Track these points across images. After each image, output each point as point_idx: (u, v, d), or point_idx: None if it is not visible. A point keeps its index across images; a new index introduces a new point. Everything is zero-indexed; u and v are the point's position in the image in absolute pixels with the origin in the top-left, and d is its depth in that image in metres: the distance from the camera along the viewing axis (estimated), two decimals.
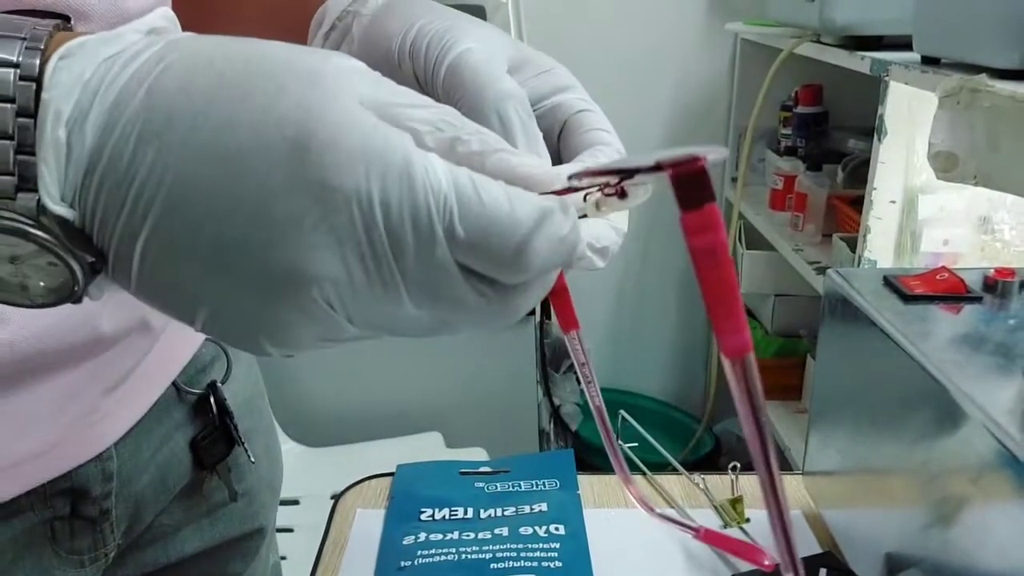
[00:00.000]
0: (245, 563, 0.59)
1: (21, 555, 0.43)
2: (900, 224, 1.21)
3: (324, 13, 0.41)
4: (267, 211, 0.23)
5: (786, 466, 1.58)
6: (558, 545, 0.57)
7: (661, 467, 0.68)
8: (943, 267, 0.53)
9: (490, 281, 0.25)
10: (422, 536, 0.59)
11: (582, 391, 1.88)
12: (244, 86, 0.24)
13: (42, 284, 0.25)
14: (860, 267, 1.24)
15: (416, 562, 0.56)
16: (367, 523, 0.62)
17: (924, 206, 1.18)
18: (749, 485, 0.65)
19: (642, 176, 0.25)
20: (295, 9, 0.42)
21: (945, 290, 0.51)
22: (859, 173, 1.50)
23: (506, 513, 0.61)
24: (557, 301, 0.38)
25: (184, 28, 0.29)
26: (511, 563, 0.55)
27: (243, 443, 0.55)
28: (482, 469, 0.67)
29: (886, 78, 1.14)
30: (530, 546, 0.57)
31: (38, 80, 0.23)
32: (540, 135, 0.33)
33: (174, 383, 0.52)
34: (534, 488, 0.64)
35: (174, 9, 0.30)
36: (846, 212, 1.49)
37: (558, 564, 0.55)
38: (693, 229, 0.21)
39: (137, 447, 0.48)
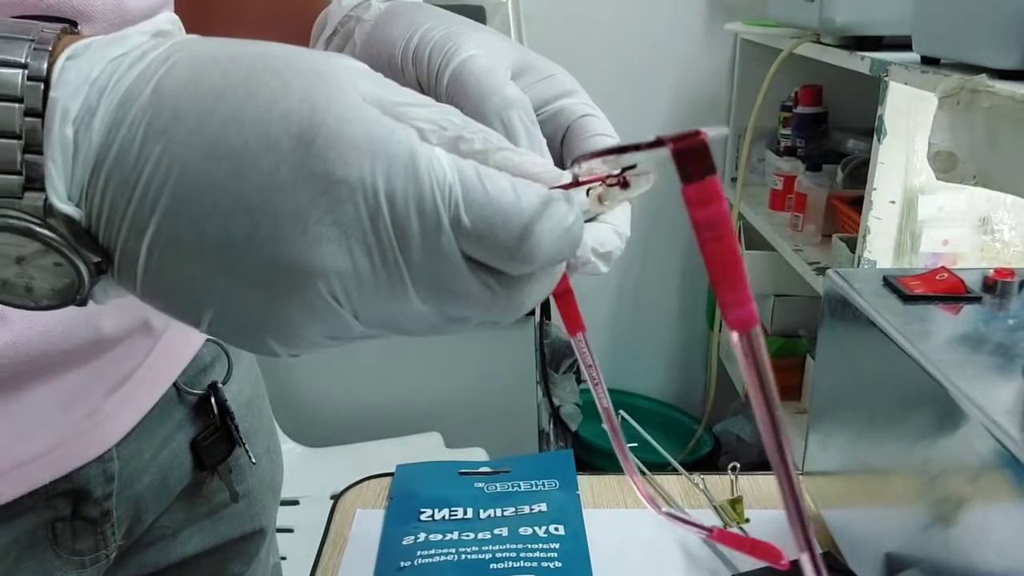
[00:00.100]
0: (246, 564, 0.59)
1: (23, 556, 0.43)
2: (900, 224, 1.21)
3: (326, 18, 0.41)
4: (273, 205, 0.23)
5: None
6: (558, 545, 0.57)
7: (661, 467, 0.68)
8: (943, 267, 0.53)
9: (496, 273, 0.26)
10: (422, 536, 0.59)
11: (582, 391, 1.89)
12: (249, 83, 0.24)
13: (47, 285, 0.25)
14: (860, 267, 1.24)
15: (416, 562, 0.56)
16: (367, 523, 0.62)
17: (924, 206, 1.18)
18: (749, 485, 0.65)
19: (644, 153, 0.25)
20: (297, 14, 0.43)
21: (945, 290, 0.51)
22: (859, 173, 1.50)
23: (506, 513, 0.61)
24: (562, 304, 0.38)
25: (186, 32, 0.29)
26: (511, 563, 0.55)
27: (244, 444, 0.55)
28: (482, 469, 0.67)
29: (886, 78, 1.14)
30: (530, 546, 0.57)
31: (46, 80, 0.24)
32: (544, 141, 0.33)
33: (175, 384, 0.52)
34: (534, 488, 0.64)
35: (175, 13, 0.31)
36: (846, 212, 1.49)
37: (558, 564, 0.55)
38: (695, 201, 0.21)
39: (138, 448, 0.48)
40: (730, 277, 0.22)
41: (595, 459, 1.86)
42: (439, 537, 0.58)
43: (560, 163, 0.35)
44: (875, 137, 1.18)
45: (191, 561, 0.54)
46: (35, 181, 0.24)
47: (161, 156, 0.23)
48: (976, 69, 0.93)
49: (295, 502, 1.45)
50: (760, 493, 0.65)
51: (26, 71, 0.24)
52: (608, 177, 0.28)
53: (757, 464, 1.97)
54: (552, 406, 1.82)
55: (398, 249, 0.24)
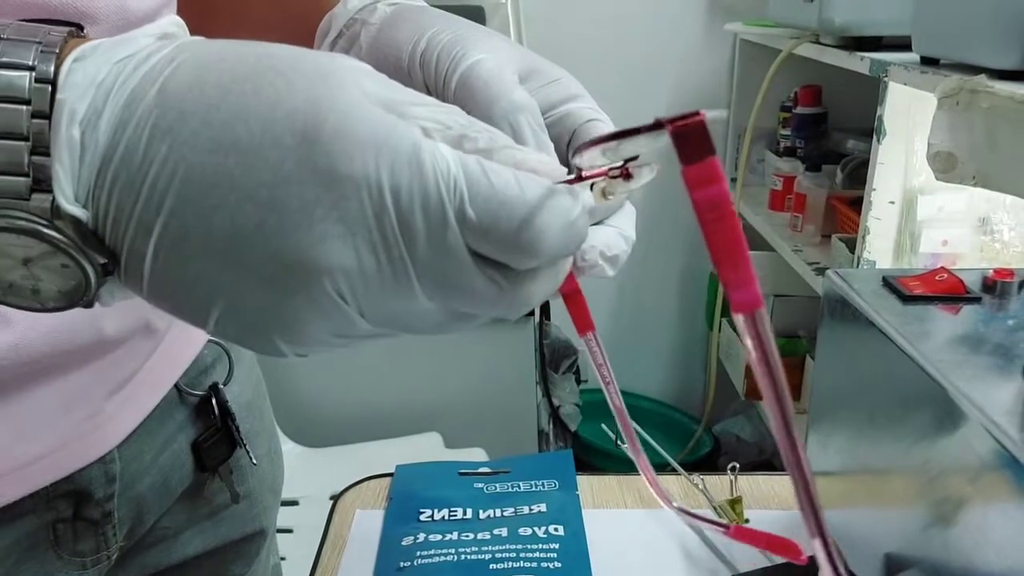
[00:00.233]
0: (246, 565, 0.59)
1: (24, 558, 0.43)
2: (899, 225, 1.21)
3: (331, 21, 0.41)
4: (278, 201, 0.23)
5: None
6: (557, 546, 0.57)
7: (660, 467, 0.68)
8: (942, 268, 0.53)
9: (502, 268, 0.26)
10: (421, 537, 0.59)
11: (581, 392, 1.89)
12: (255, 81, 0.24)
13: (54, 287, 0.25)
14: (859, 268, 1.24)
15: (415, 563, 0.56)
16: (366, 524, 0.62)
17: (923, 207, 1.18)
18: (748, 486, 0.65)
19: (645, 145, 0.25)
20: (300, 17, 0.43)
21: (944, 291, 0.51)
22: (858, 174, 1.50)
23: (505, 514, 0.61)
24: (571, 304, 0.38)
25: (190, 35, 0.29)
26: (510, 564, 0.55)
27: (245, 445, 0.55)
28: (481, 470, 0.67)
29: (885, 79, 1.15)
30: (529, 547, 0.57)
31: (53, 82, 0.24)
32: (552, 145, 0.33)
33: (176, 385, 0.52)
34: (533, 489, 0.64)
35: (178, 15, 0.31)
36: (845, 213, 1.49)
37: (557, 565, 0.55)
38: (695, 183, 0.21)
39: (140, 449, 0.48)
40: (732, 257, 0.21)
41: (595, 459, 1.86)
42: (439, 537, 0.58)
43: (566, 167, 0.35)
44: (874, 137, 1.18)
45: (192, 562, 0.54)
46: (42, 183, 0.24)
47: (167, 155, 0.23)
48: (975, 69, 0.93)
49: (295, 502, 1.45)
50: (760, 493, 0.65)
51: (33, 73, 0.24)
52: (611, 169, 0.28)
53: (756, 464, 1.98)
54: (552, 406, 1.82)
55: (403, 245, 0.24)
